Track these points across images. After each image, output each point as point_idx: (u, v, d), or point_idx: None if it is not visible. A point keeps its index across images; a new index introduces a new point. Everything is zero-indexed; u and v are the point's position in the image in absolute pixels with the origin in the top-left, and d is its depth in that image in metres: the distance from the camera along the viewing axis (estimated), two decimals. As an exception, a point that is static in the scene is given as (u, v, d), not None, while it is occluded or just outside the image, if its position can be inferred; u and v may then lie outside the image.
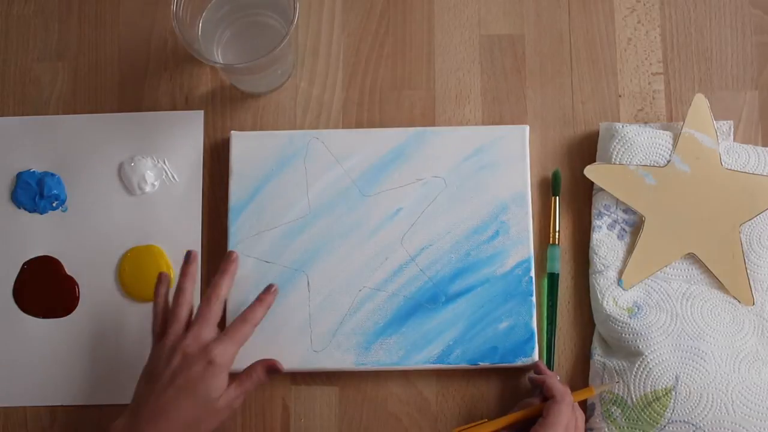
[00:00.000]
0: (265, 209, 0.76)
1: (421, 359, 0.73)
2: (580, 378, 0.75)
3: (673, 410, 0.69)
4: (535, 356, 0.73)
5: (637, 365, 0.70)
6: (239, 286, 0.74)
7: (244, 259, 0.75)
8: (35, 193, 0.78)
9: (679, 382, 0.69)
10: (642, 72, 0.80)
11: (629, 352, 0.71)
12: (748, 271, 0.73)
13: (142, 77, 0.81)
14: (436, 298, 0.74)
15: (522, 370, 0.74)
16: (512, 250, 0.75)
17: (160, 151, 0.79)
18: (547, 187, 0.78)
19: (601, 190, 0.75)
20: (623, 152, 0.75)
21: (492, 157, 0.76)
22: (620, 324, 0.72)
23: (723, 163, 0.74)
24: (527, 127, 0.77)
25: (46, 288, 0.77)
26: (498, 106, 0.79)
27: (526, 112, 0.79)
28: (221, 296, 0.70)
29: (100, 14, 0.82)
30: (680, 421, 0.69)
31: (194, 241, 0.77)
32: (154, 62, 0.81)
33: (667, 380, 0.70)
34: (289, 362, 0.73)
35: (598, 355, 0.74)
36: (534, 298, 0.74)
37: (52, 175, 0.78)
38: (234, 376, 0.69)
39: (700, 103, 0.75)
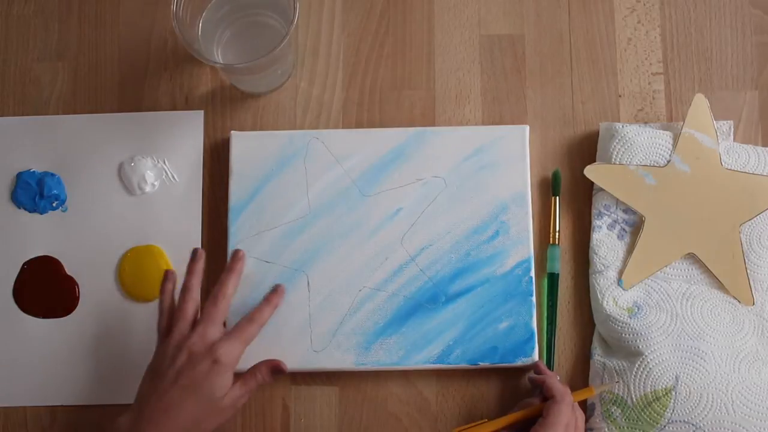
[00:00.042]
0: (265, 209, 0.76)
1: (421, 359, 0.73)
2: (580, 378, 0.75)
3: (673, 410, 0.69)
4: (535, 356, 0.73)
5: (637, 365, 0.70)
6: (239, 285, 0.74)
7: (244, 259, 0.75)
8: (35, 193, 0.78)
9: (679, 382, 0.69)
10: (642, 72, 0.80)
11: (629, 352, 0.71)
12: (748, 271, 0.73)
13: (142, 77, 0.81)
14: (436, 298, 0.74)
15: (522, 370, 0.74)
16: (512, 250, 0.75)
17: (160, 151, 0.79)
18: (547, 187, 0.78)
19: (601, 190, 0.75)
20: (623, 152, 0.75)
21: (492, 157, 0.76)
22: (620, 324, 0.72)
23: (723, 163, 0.74)
24: (527, 127, 0.77)
25: (46, 288, 0.77)
26: (498, 106, 0.79)
27: (526, 112, 0.79)
28: (228, 295, 0.70)
29: (100, 14, 0.82)
30: (680, 421, 0.69)
31: (194, 241, 0.77)
32: (154, 62, 0.81)
33: (667, 380, 0.70)
34: (289, 362, 0.73)
35: (598, 355, 0.74)
36: (534, 298, 0.74)
37: (52, 175, 0.78)
38: (238, 376, 0.69)
39: (700, 103, 0.75)
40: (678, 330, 0.71)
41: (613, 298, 0.73)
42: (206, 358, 0.66)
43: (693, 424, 0.69)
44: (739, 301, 0.73)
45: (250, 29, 0.77)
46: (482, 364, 0.73)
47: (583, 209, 0.77)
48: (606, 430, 0.71)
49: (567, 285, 0.76)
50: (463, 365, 0.73)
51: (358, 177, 0.76)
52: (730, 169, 0.74)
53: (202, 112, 0.80)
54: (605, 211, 0.75)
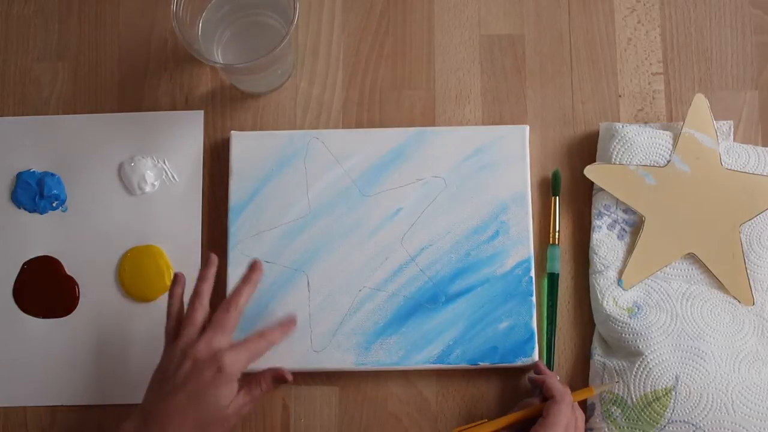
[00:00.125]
0: (265, 209, 0.76)
1: (421, 359, 0.73)
2: (580, 378, 0.75)
3: (673, 410, 0.69)
4: (535, 356, 0.73)
5: (637, 365, 0.70)
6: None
7: (243, 259, 0.75)
8: (35, 193, 0.78)
9: (679, 382, 0.69)
10: (642, 72, 0.80)
11: (629, 352, 0.71)
12: (748, 271, 0.73)
13: (142, 77, 0.81)
14: (436, 298, 0.74)
15: (522, 370, 0.74)
16: (512, 250, 0.75)
17: (160, 151, 0.79)
18: (547, 187, 0.78)
19: (601, 190, 0.75)
20: (623, 152, 0.75)
21: (492, 157, 0.76)
22: (620, 324, 0.72)
23: (723, 163, 0.74)
24: (527, 127, 0.77)
25: (46, 288, 0.77)
26: (498, 106, 0.79)
27: (526, 112, 0.79)
28: (240, 305, 0.69)
29: (100, 14, 0.82)
30: (680, 421, 0.69)
31: (194, 241, 0.77)
32: (154, 62, 0.81)
33: (667, 380, 0.70)
34: (289, 362, 0.73)
35: (598, 355, 0.74)
36: (534, 298, 0.74)
37: (52, 175, 0.78)
38: (244, 378, 0.68)
39: (700, 103, 0.75)
40: (678, 330, 0.71)
41: (613, 298, 0.73)
42: (210, 366, 0.65)
43: (693, 424, 0.69)
44: (739, 301, 0.73)
45: (250, 29, 0.77)
46: (482, 364, 0.73)
47: (583, 209, 0.77)
48: (606, 430, 0.71)
49: (567, 285, 0.76)
50: (463, 365, 0.73)
51: (358, 177, 0.76)
52: (730, 169, 0.74)
53: (202, 112, 0.80)
54: (605, 211, 0.75)
